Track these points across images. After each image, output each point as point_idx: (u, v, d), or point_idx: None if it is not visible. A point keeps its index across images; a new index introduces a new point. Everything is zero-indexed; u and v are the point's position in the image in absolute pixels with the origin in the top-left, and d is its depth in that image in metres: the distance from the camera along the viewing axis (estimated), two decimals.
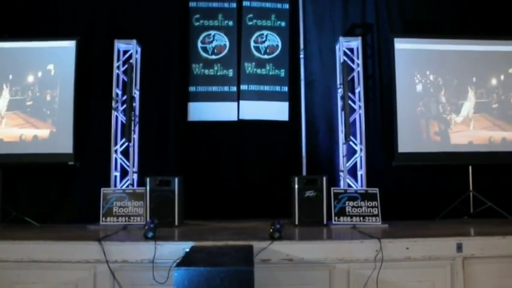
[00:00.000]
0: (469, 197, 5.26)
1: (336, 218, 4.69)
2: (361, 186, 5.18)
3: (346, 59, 5.34)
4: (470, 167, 5.32)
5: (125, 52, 5.41)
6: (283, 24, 5.69)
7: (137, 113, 5.37)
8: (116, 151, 5.25)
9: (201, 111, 5.54)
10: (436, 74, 5.38)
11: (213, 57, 5.61)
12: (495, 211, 5.05)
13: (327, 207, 4.71)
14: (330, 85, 5.59)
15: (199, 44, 5.61)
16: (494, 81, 5.41)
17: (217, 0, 5.61)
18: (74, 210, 5.27)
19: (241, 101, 5.56)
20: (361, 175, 5.25)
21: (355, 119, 5.32)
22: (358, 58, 5.39)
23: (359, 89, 5.35)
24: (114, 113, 5.26)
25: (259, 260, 3.49)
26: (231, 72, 5.59)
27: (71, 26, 5.46)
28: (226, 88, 5.59)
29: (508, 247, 3.75)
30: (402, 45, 5.36)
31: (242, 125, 5.57)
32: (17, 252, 3.63)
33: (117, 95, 5.31)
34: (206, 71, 5.59)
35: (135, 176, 5.25)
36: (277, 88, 5.63)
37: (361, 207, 4.72)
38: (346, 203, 4.73)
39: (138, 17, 5.57)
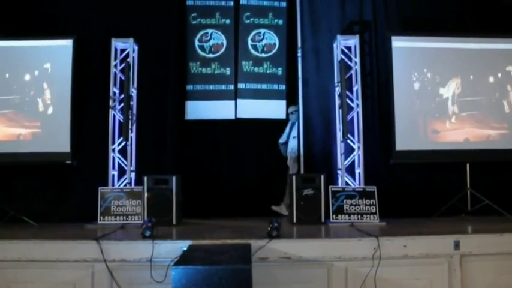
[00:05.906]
0: (466, 195, 5.26)
1: (334, 216, 4.70)
2: (359, 184, 5.18)
3: (343, 57, 5.33)
4: (467, 165, 5.32)
5: (122, 51, 5.39)
6: (280, 22, 5.69)
7: (135, 111, 5.36)
8: (113, 150, 5.24)
9: (198, 109, 5.55)
10: (434, 71, 5.38)
11: (211, 55, 5.60)
12: (492, 209, 5.06)
13: (325, 206, 4.71)
14: (327, 83, 5.57)
15: (197, 43, 5.61)
16: (491, 79, 5.42)
17: None
18: (71, 209, 5.25)
19: (238, 100, 5.57)
20: (359, 173, 5.25)
21: (352, 117, 5.31)
22: (355, 56, 5.38)
23: (356, 87, 5.34)
24: (111, 112, 5.24)
25: (257, 258, 3.49)
26: (228, 71, 5.59)
27: (68, 25, 5.45)
28: (223, 86, 5.59)
29: (505, 244, 3.75)
30: (400, 43, 5.36)
31: (240, 124, 5.57)
32: (14, 252, 3.61)
33: (114, 93, 5.30)
34: (204, 70, 5.59)
35: (133, 175, 5.25)
36: (275, 86, 5.63)
37: (358, 205, 4.72)
38: (344, 201, 4.73)
39: (135, 15, 5.55)
